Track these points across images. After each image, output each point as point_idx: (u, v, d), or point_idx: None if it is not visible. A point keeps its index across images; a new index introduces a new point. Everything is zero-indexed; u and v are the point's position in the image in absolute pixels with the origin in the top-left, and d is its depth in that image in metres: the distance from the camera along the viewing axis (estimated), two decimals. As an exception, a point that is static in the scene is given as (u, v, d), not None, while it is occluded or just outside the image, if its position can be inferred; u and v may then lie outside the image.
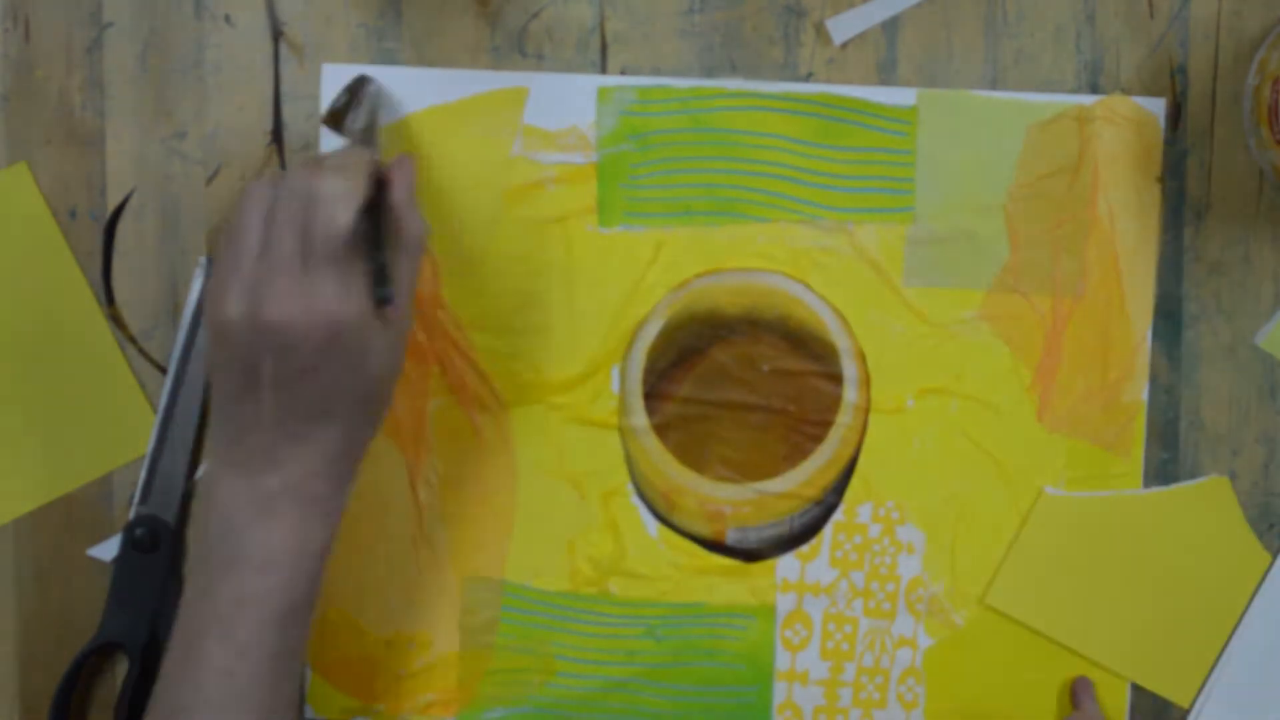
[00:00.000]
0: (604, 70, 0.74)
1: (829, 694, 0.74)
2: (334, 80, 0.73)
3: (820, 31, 0.74)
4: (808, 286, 0.73)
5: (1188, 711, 0.75)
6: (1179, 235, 0.74)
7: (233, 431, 0.63)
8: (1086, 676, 0.73)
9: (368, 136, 0.69)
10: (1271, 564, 0.74)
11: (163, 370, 0.75)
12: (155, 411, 0.75)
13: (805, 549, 0.74)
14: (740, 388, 0.74)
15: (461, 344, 0.74)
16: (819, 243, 0.73)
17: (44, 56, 0.75)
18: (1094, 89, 0.73)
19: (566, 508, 0.74)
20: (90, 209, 0.75)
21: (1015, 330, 0.73)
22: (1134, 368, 0.73)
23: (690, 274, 0.73)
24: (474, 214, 0.73)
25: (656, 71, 0.74)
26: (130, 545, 0.74)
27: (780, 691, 0.75)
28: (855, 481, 0.74)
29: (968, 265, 0.73)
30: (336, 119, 0.69)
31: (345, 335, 0.61)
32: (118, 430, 0.75)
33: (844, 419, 0.73)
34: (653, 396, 0.74)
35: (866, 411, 0.73)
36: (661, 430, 0.72)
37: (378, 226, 0.63)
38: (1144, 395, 0.73)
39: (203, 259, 0.74)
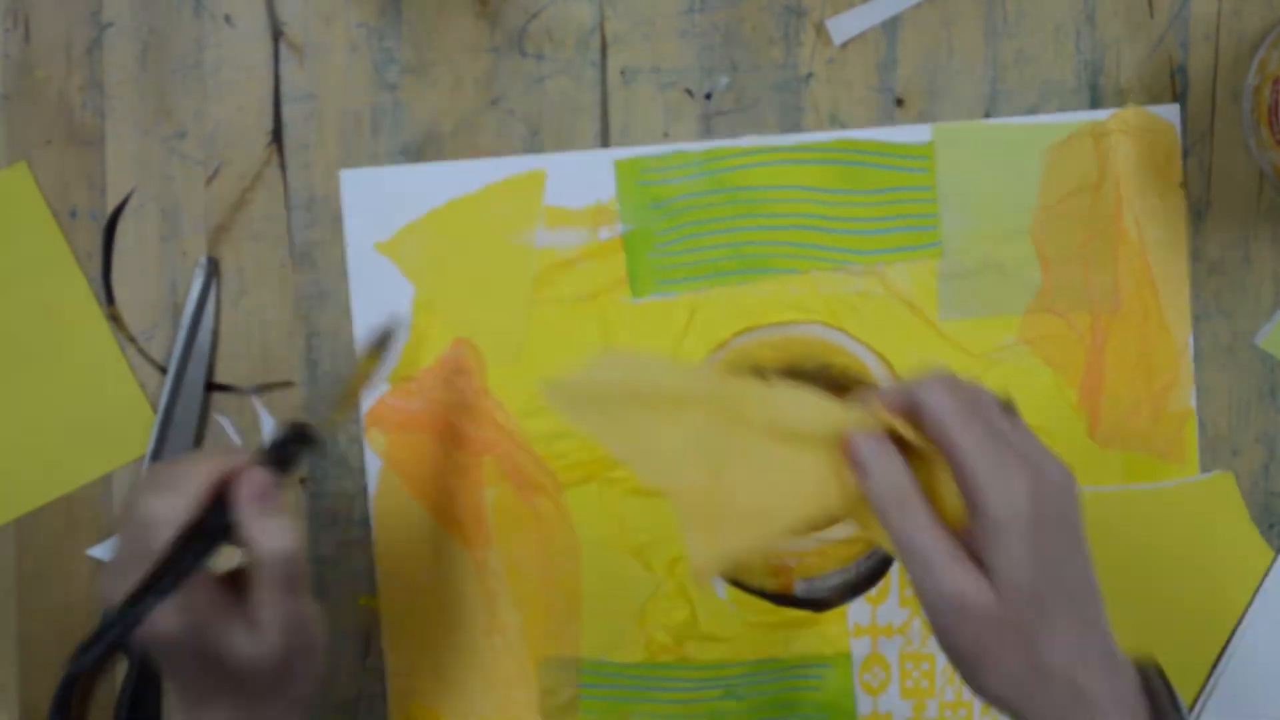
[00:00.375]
0: (604, 70, 0.74)
1: None
2: (353, 186, 0.73)
3: (820, 31, 0.74)
4: (845, 332, 0.73)
5: (1188, 711, 0.75)
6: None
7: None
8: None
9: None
10: (1272, 564, 0.74)
11: (163, 370, 0.75)
12: (155, 411, 0.75)
13: (873, 592, 0.74)
14: None
15: (512, 431, 0.74)
16: (851, 288, 0.73)
17: (44, 56, 0.75)
18: (1094, 89, 0.73)
19: (633, 579, 0.74)
20: (90, 209, 0.75)
21: (1056, 351, 0.73)
22: (1179, 375, 0.73)
23: (728, 334, 0.73)
24: (507, 302, 0.74)
25: (656, 72, 0.74)
26: (130, 545, 0.74)
27: None
28: None
29: (1001, 292, 0.73)
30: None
31: (184, 645, 0.60)
32: (118, 430, 0.75)
33: None
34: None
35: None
36: None
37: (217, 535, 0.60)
38: (1192, 401, 0.73)
39: (203, 259, 0.74)
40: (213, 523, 0.60)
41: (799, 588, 0.73)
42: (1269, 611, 0.74)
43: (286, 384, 0.75)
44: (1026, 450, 0.56)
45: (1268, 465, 0.74)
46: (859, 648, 0.74)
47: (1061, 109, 0.73)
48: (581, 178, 0.74)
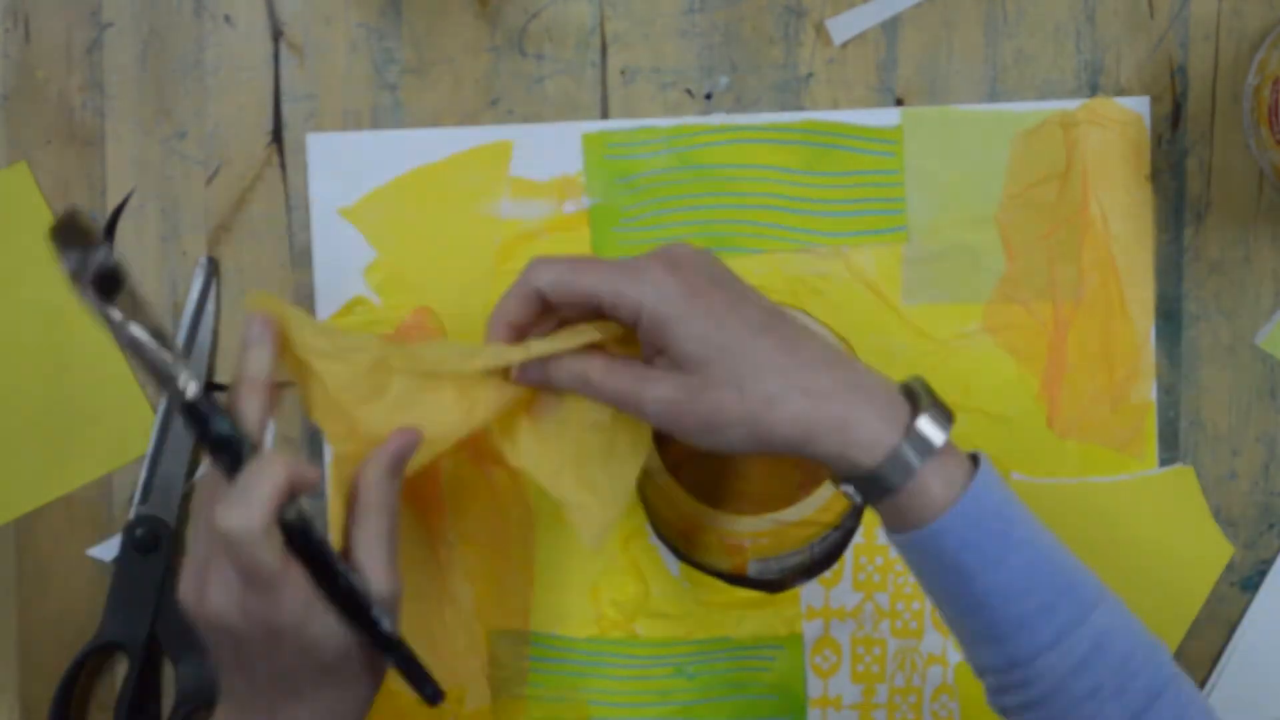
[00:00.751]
0: (604, 70, 0.74)
1: (864, 717, 0.74)
2: (319, 150, 0.73)
3: (820, 31, 0.74)
4: (808, 314, 0.73)
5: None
6: (1179, 235, 0.74)
7: (226, 700, 0.63)
8: None
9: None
10: (1272, 563, 0.74)
11: (163, 370, 0.75)
12: (155, 411, 0.75)
13: (828, 575, 0.74)
14: None
15: None
16: (815, 270, 0.73)
17: (44, 56, 0.75)
18: (1094, 89, 0.73)
19: (586, 554, 0.74)
20: (90, 209, 0.75)
21: (1018, 340, 0.73)
22: (1139, 367, 0.73)
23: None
24: (469, 273, 0.73)
25: (657, 72, 0.74)
26: (130, 545, 0.74)
27: (815, 719, 0.74)
28: None
29: (965, 279, 0.73)
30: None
31: (285, 635, 0.59)
32: (118, 430, 0.75)
33: None
34: (663, 437, 0.74)
35: None
36: (675, 469, 0.72)
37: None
38: (1152, 394, 0.73)
39: (203, 259, 0.74)
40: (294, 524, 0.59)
41: (753, 568, 0.73)
42: (1269, 611, 0.74)
43: (287, 383, 0.75)
44: (644, 258, 0.60)
45: (1268, 465, 0.74)
46: (811, 630, 0.74)
47: (1061, 109, 0.73)
48: (548, 150, 0.73)
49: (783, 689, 0.74)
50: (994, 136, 0.73)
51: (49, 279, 0.75)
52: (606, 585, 0.74)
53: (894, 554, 0.74)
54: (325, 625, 0.59)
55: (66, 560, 0.75)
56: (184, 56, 0.74)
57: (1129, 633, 0.60)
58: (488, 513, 0.74)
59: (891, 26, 0.73)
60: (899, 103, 0.74)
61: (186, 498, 0.75)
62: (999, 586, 0.59)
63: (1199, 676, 0.75)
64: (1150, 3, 0.73)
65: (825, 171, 0.73)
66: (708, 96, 0.74)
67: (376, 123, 0.74)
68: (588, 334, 0.62)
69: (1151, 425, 0.74)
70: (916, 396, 0.60)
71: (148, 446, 0.74)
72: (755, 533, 0.71)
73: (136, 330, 0.56)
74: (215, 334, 0.75)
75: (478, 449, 0.74)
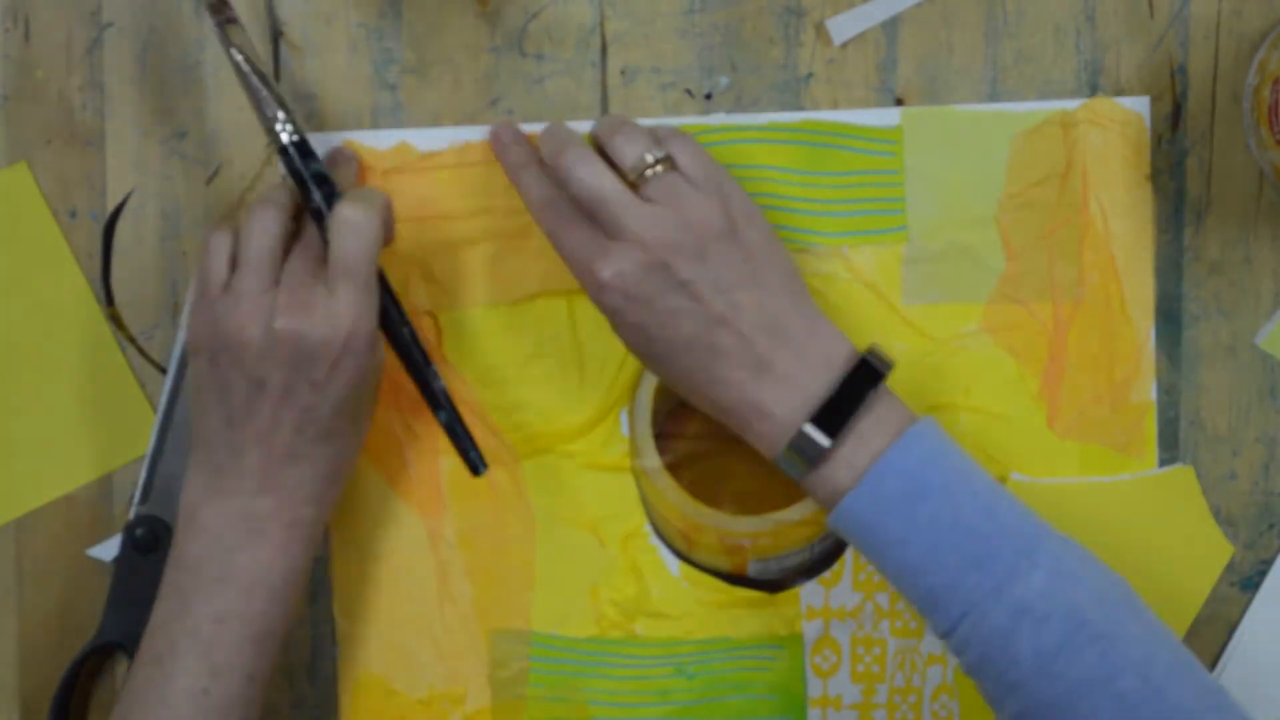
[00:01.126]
0: (604, 71, 0.74)
1: (864, 717, 0.74)
2: (320, 149, 0.73)
3: (820, 31, 0.74)
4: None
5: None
6: (1179, 235, 0.74)
7: (224, 455, 0.64)
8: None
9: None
10: (1272, 563, 0.74)
11: (163, 370, 0.75)
12: (155, 411, 0.75)
13: (828, 575, 0.74)
14: None
15: (469, 401, 0.73)
16: (815, 270, 0.73)
17: (44, 56, 0.75)
18: (1094, 89, 0.73)
19: (586, 554, 0.74)
20: (90, 209, 0.75)
21: (1018, 339, 0.73)
22: (1139, 368, 0.73)
23: None
24: (466, 274, 0.73)
25: (656, 72, 0.74)
26: (130, 545, 0.74)
27: (815, 719, 0.74)
28: None
29: (965, 279, 0.73)
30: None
31: (356, 350, 0.63)
32: (118, 430, 0.75)
33: None
34: (663, 436, 0.74)
35: None
36: (674, 469, 0.72)
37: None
38: (1152, 395, 0.73)
39: (203, 259, 0.74)
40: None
41: (753, 568, 0.73)
42: (1269, 611, 0.74)
43: None
44: (637, 224, 0.64)
45: (1268, 465, 0.74)
46: (811, 630, 0.74)
47: (1061, 109, 0.73)
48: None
49: (783, 689, 0.74)
50: (994, 136, 0.73)
51: (49, 279, 0.75)
52: (606, 585, 0.74)
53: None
54: (375, 357, 0.65)
55: (66, 560, 0.75)
56: (184, 56, 0.74)
57: (1052, 596, 0.60)
58: (487, 513, 0.74)
59: (891, 26, 0.73)
60: (899, 103, 0.74)
61: (186, 498, 0.75)
62: (906, 565, 0.62)
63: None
64: (1150, 3, 0.73)
65: (825, 171, 0.73)
66: (708, 96, 0.74)
67: (376, 123, 0.74)
68: None
69: (1151, 425, 0.74)
70: (832, 390, 0.63)
71: (148, 446, 0.74)
72: (755, 533, 0.71)
73: (243, 62, 0.67)
74: (215, 334, 0.74)
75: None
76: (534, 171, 0.69)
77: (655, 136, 0.67)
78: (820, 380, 0.63)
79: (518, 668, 0.74)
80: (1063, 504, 0.73)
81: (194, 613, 0.64)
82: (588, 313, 0.73)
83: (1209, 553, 0.74)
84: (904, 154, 0.73)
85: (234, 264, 0.65)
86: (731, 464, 0.75)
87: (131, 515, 0.74)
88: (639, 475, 0.73)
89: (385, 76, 0.74)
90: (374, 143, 0.73)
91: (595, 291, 0.65)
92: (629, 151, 0.66)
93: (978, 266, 0.73)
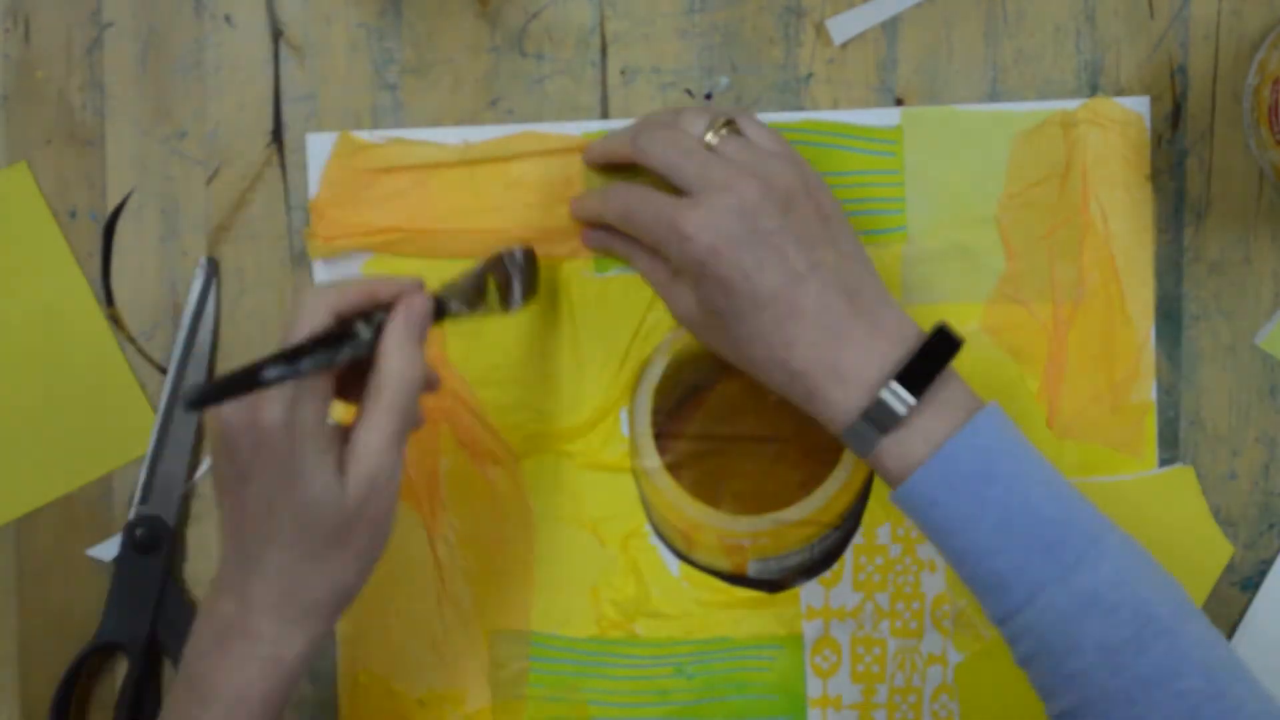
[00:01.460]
0: (604, 71, 0.74)
1: (863, 717, 0.74)
2: (317, 147, 0.73)
3: (820, 31, 0.74)
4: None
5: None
6: (1179, 235, 0.74)
7: (221, 544, 0.62)
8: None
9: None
10: (1272, 563, 0.74)
11: (163, 370, 0.75)
12: (155, 411, 0.75)
13: (828, 575, 0.74)
14: (749, 420, 0.74)
15: (469, 400, 0.74)
16: None
17: (44, 56, 0.75)
18: (1094, 89, 0.73)
19: (586, 554, 0.74)
20: (90, 209, 0.75)
21: (1018, 340, 0.73)
22: (1139, 368, 0.73)
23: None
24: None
25: (657, 72, 0.74)
26: (130, 545, 0.74)
27: (815, 719, 0.74)
28: (872, 503, 0.74)
29: (965, 279, 0.73)
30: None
31: (269, 443, 0.58)
32: (118, 430, 0.75)
33: None
34: (663, 436, 0.74)
35: None
36: (674, 469, 0.72)
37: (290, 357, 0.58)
38: (1152, 395, 0.73)
39: (203, 259, 0.74)
40: (355, 332, 0.59)
41: (753, 568, 0.73)
42: (1269, 611, 0.74)
43: None
44: (717, 172, 0.64)
45: (1268, 465, 0.74)
46: (811, 630, 0.74)
47: (1061, 109, 0.73)
48: (548, 156, 0.73)
49: (782, 689, 0.74)
50: (993, 136, 0.73)
51: (49, 279, 0.75)
52: (606, 585, 0.74)
53: (894, 554, 0.74)
54: (325, 469, 0.58)
55: (66, 560, 0.75)
56: (184, 56, 0.74)
57: (1122, 588, 0.60)
58: (486, 513, 0.74)
59: (891, 26, 0.73)
60: (899, 103, 0.74)
61: (186, 498, 0.75)
62: (973, 545, 0.61)
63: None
64: (1150, 3, 0.73)
65: (825, 171, 0.73)
66: (708, 96, 0.74)
67: (376, 123, 0.74)
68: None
69: (1151, 425, 0.74)
70: (909, 354, 0.63)
71: (148, 446, 0.74)
72: (755, 532, 0.71)
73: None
74: (215, 334, 0.74)
75: (477, 449, 0.74)
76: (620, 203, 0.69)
77: (722, 111, 0.68)
78: (896, 348, 0.63)
79: (517, 668, 0.74)
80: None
81: (173, 711, 0.62)
82: (588, 313, 0.73)
83: (1209, 553, 0.74)
84: (904, 154, 0.73)
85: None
86: (731, 464, 0.75)
87: (131, 515, 0.74)
88: (639, 475, 0.73)
89: (385, 76, 0.74)
90: (373, 141, 0.73)
91: (680, 247, 0.64)
92: (698, 121, 0.67)
93: (978, 266, 0.73)
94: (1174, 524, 0.74)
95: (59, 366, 0.75)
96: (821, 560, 0.74)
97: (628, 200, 0.67)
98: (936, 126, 0.73)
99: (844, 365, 0.62)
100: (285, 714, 0.74)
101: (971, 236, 0.73)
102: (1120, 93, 0.73)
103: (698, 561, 0.74)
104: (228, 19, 0.74)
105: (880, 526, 0.74)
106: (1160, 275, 0.74)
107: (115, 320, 0.75)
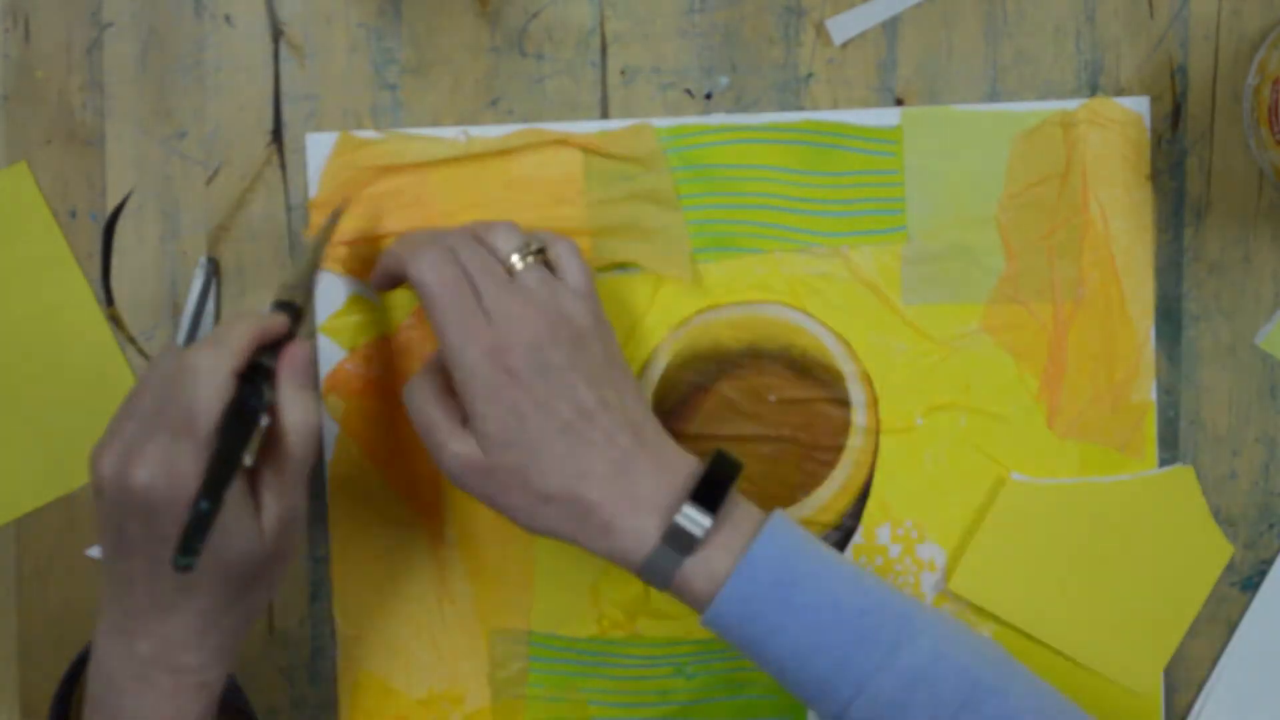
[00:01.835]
0: (604, 70, 0.74)
1: None
2: (316, 147, 0.73)
3: (820, 31, 0.74)
4: (808, 314, 0.73)
5: (1187, 712, 0.75)
6: (1179, 235, 0.74)
7: (111, 591, 0.63)
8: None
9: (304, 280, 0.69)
10: (1272, 563, 0.74)
11: (163, 370, 0.75)
12: (155, 411, 0.75)
13: None
14: (749, 420, 0.74)
15: None
16: (815, 269, 0.73)
17: (44, 56, 0.75)
18: (1094, 89, 0.73)
19: (587, 553, 0.73)
20: (90, 209, 0.75)
21: (1018, 339, 0.73)
22: (1139, 367, 0.73)
23: (689, 312, 0.73)
24: None
25: (657, 72, 0.74)
26: (130, 545, 0.74)
27: (814, 719, 0.75)
28: (871, 504, 0.74)
29: (965, 279, 0.73)
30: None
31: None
32: (118, 430, 0.75)
33: (855, 442, 0.73)
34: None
35: (877, 433, 0.73)
36: None
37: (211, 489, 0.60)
38: (1152, 394, 0.73)
39: (203, 259, 0.74)
40: (251, 397, 0.62)
41: None
42: (1269, 611, 0.74)
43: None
44: (502, 309, 0.63)
45: (1268, 465, 0.74)
46: None
47: (1061, 109, 0.73)
48: (548, 149, 0.73)
49: (781, 690, 0.74)
50: (993, 137, 0.73)
51: (49, 279, 0.75)
52: (606, 585, 0.74)
53: (894, 554, 0.74)
54: (243, 524, 0.61)
55: (66, 560, 0.75)
56: (184, 56, 0.74)
57: (944, 660, 0.61)
58: (487, 512, 0.74)
59: (891, 26, 0.74)
60: (899, 103, 0.74)
61: (186, 498, 0.75)
62: (788, 652, 0.62)
63: (1199, 676, 0.75)
64: (1150, 3, 0.73)
65: (825, 171, 0.73)
66: (708, 96, 0.74)
67: (376, 123, 0.74)
68: None
69: (1151, 425, 0.74)
70: (694, 477, 0.64)
71: (148, 446, 0.74)
72: None
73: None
74: (215, 334, 0.75)
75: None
76: (432, 254, 0.66)
77: (536, 237, 0.67)
78: (682, 476, 0.64)
79: (517, 668, 0.74)
80: (1062, 504, 0.73)
81: None
82: None
83: (1209, 553, 0.74)
84: (904, 154, 0.73)
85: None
86: None
87: (131, 515, 0.74)
88: None
89: (385, 76, 0.74)
90: (373, 137, 0.73)
91: (474, 357, 0.63)
92: (506, 241, 0.66)
93: (978, 266, 0.73)
94: (1174, 524, 0.74)
95: (59, 366, 0.75)
96: (822, 561, 0.74)
97: (437, 275, 0.64)
98: (936, 127, 0.73)
99: (638, 494, 0.63)
100: (285, 713, 0.74)
101: (971, 236, 0.73)
102: (1120, 93, 0.73)
103: None
104: (228, 19, 0.74)
105: (880, 527, 0.74)
106: (1160, 275, 0.74)
107: (115, 320, 0.75)
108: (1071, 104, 0.73)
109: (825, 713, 0.62)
